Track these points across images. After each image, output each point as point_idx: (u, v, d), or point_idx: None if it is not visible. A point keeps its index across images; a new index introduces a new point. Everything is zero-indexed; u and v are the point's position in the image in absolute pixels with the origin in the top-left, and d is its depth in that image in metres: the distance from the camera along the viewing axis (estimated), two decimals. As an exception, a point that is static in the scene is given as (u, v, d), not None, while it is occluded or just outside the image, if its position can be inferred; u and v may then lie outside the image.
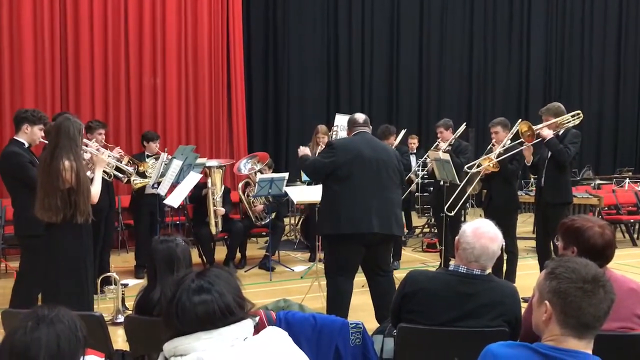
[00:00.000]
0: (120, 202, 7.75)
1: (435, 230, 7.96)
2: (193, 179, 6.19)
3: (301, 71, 11.50)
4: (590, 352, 1.74)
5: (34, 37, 7.97)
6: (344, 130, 7.45)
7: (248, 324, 1.64)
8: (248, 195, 7.21)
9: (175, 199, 6.07)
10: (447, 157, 6.15)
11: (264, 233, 7.47)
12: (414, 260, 7.54)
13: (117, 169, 5.42)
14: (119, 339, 3.95)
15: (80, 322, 1.62)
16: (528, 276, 5.57)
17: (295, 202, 7.20)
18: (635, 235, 8.95)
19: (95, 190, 4.06)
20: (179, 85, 8.98)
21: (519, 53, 13.59)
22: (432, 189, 8.20)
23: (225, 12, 9.36)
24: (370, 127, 4.65)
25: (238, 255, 7.16)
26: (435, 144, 6.79)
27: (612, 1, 14.24)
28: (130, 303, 4.62)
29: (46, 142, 4.37)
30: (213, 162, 7.10)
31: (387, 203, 4.35)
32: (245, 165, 7.38)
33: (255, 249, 8.17)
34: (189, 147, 6.65)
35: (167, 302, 1.63)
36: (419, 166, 7.79)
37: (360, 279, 4.69)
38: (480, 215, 6.57)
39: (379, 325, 3.56)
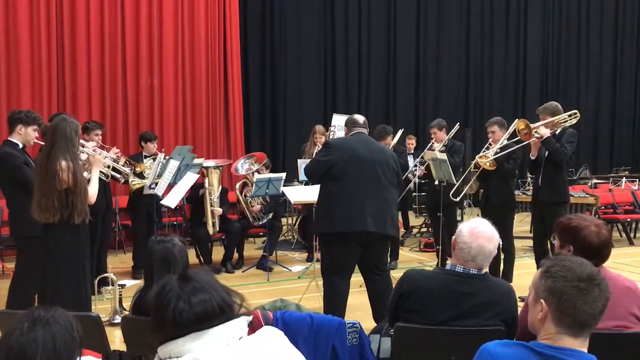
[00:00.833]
0: (118, 202, 7.74)
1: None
2: (190, 179, 6.19)
3: (298, 71, 11.50)
4: (585, 350, 1.75)
5: (30, 37, 7.95)
6: (341, 130, 7.48)
7: (240, 323, 1.64)
8: (245, 196, 7.22)
9: (172, 200, 6.07)
10: (444, 156, 6.16)
11: (262, 233, 7.47)
12: (412, 259, 7.55)
13: (114, 169, 5.42)
14: (117, 340, 3.95)
15: (76, 323, 1.62)
16: (525, 275, 5.58)
17: (292, 202, 7.21)
18: (632, 234, 8.97)
19: (92, 190, 4.06)
20: (176, 85, 8.98)
21: (516, 53, 13.60)
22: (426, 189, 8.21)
23: (222, 13, 9.35)
24: (368, 129, 4.68)
25: (235, 255, 7.15)
26: (429, 144, 6.81)
27: (609, 0, 14.27)
28: (127, 304, 4.62)
29: (42, 143, 4.37)
30: (210, 163, 7.11)
31: (382, 202, 4.36)
32: (242, 166, 7.38)
33: (252, 249, 8.17)
34: (186, 148, 6.65)
35: (155, 311, 1.61)
36: (415, 166, 7.81)
37: (357, 278, 4.69)
38: (477, 215, 6.58)
39: (376, 324, 3.56)
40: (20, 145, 4.67)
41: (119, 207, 7.79)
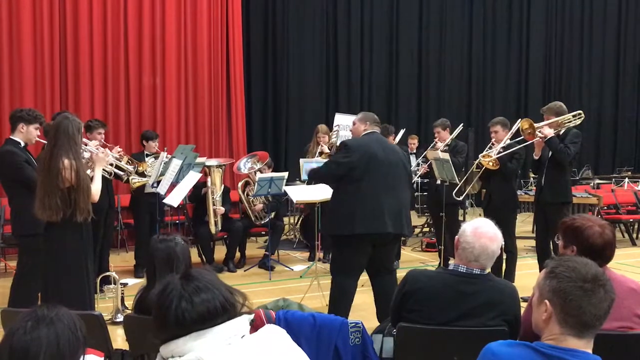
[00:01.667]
0: (120, 201, 7.75)
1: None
2: (192, 178, 6.20)
3: (300, 70, 11.49)
4: (590, 351, 1.74)
5: (33, 36, 7.96)
6: (345, 129, 7.46)
7: (242, 321, 1.64)
8: (247, 195, 7.21)
9: (174, 198, 6.08)
10: (446, 156, 6.15)
11: (264, 232, 7.47)
12: (414, 259, 7.55)
13: (117, 167, 5.42)
14: (119, 338, 3.95)
15: (79, 322, 1.62)
16: (527, 276, 5.58)
17: (294, 202, 7.20)
18: (634, 235, 8.95)
19: (96, 188, 4.05)
20: (178, 84, 8.98)
21: (519, 53, 13.59)
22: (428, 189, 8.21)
23: (225, 12, 9.35)
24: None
25: (237, 254, 7.15)
26: (433, 143, 6.81)
27: (612, 1, 14.24)
28: (129, 302, 4.62)
29: (44, 141, 4.37)
30: (212, 162, 7.11)
31: (398, 203, 4.36)
32: (244, 165, 7.39)
33: (254, 248, 8.18)
34: (189, 147, 6.66)
35: (158, 310, 1.61)
36: (418, 165, 7.80)
37: (360, 278, 4.68)
38: (480, 215, 6.57)
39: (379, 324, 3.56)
40: (22, 144, 4.68)
41: (121, 205, 7.80)
